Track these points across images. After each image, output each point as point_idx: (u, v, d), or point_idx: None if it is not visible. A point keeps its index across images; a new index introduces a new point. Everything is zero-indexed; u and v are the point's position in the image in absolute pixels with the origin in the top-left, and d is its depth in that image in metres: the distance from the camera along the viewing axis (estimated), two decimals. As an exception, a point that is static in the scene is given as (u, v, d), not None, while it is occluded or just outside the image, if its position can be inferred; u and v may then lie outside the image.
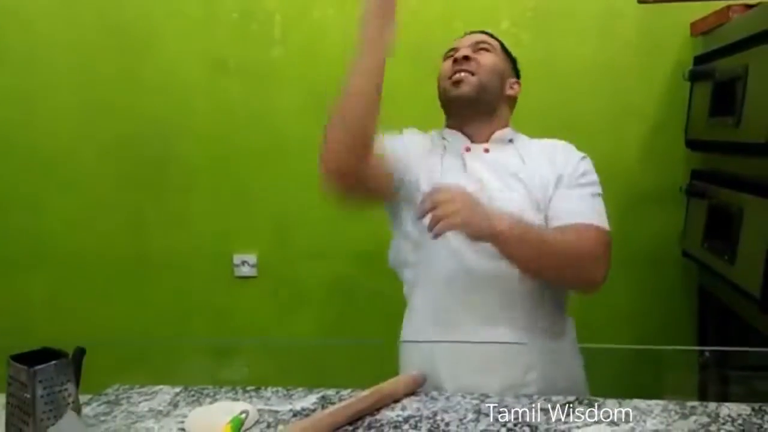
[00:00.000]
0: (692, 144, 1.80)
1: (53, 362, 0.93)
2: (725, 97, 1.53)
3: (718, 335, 1.78)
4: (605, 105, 1.93)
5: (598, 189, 1.29)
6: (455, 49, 1.35)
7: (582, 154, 1.32)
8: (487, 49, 1.34)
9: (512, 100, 1.39)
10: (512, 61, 1.41)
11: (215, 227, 2.12)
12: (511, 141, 1.35)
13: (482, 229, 1.11)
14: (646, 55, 1.90)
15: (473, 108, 1.32)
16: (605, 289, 1.96)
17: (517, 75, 1.42)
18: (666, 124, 1.90)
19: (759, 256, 1.33)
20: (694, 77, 1.74)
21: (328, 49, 2.01)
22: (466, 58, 1.31)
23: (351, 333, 2.07)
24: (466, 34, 1.40)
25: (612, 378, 1.88)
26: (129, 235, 2.14)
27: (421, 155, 1.33)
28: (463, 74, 1.30)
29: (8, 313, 2.14)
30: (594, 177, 1.30)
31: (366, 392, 1.07)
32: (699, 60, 1.75)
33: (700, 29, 1.80)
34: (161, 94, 2.08)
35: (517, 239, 1.13)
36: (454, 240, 1.20)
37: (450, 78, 1.32)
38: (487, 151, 1.32)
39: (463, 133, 1.35)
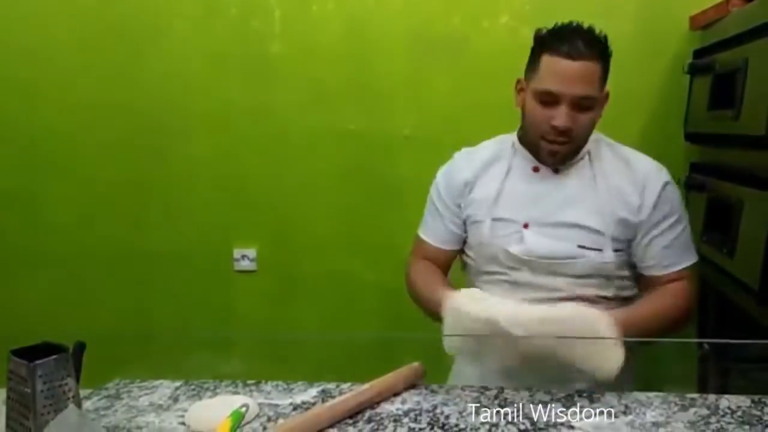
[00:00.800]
0: (691, 137, 1.80)
1: (53, 357, 0.93)
2: (725, 90, 1.52)
3: (718, 328, 1.78)
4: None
5: (684, 219, 1.27)
6: (554, 97, 1.17)
7: (665, 180, 1.26)
8: (585, 105, 1.18)
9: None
10: (608, 68, 1.22)
11: (215, 222, 2.12)
12: (588, 154, 1.27)
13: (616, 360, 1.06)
14: (646, 49, 1.90)
15: (569, 159, 1.26)
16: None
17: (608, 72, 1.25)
18: (665, 117, 1.90)
19: (758, 249, 1.33)
20: (694, 71, 1.74)
21: (327, 44, 2.00)
22: (565, 131, 1.18)
23: (351, 327, 2.08)
24: (570, 54, 1.15)
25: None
26: (129, 229, 2.14)
27: (475, 188, 1.30)
28: (560, 147, 1.22)
29: (8, 307, 2.14)
30: (680, 207, 1.27)
31: (366, 385, 1.07)
32: (698, 53, 1.75)
33: (700, 23, 1.79)
34: (161, 89, 2.07)
35: (634, 329, 1.12)
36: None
37: (545, 139, 1.21)
38: (557, 171, 1.27)
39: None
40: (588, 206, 1.23)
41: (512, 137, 1.34)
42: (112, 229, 2.14)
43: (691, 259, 1.28)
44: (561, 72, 1.16)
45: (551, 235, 1.23)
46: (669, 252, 1.26)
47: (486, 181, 1.30)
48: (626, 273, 1.28)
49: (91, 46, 2.09)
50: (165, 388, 1.17)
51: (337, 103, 2.02)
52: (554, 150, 1.22)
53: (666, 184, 1.26)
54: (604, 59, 1.20)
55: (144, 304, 2.15)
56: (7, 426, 0.95)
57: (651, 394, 1.07)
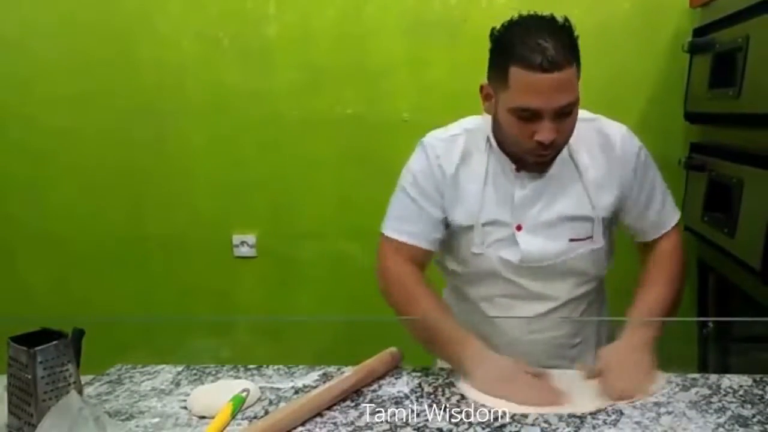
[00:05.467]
0: (691, 117, 1.79)
1: (53, 343, 0.93)
2: (725, 69, 1.51)
3: (719, 308, 1.79)
4: (603, 79, 1.91)
5: (659, 176, 1.27)
6: (534, 112, 1.06)
7: (638, 144, 1.23)
8: (568, 112, 1.09)
9: None
10: (579, 56, 1.11)
11: (214, 208, 2.11)
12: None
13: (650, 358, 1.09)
14: (645, 28, 1.88)
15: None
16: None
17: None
18: (665, 97, 1.89)
19: (759, 228, 1.32)
20: (694, 49, 1.72)
21: (324, 26, 1.98)
22: (553, 142, 1.09)
23: (350, 311, 2.08)
24: (545, 68, 1.03)
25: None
26: (128, 216, 2.14)
27: (455, 187, 1.19)
28: (546, 157, 1.14)
29: (8, 295, 2.14)
30: (654, 166, 1.26)
31: (347, 373, 1.06)
32: (698, 32, 1.73)
33: (699, 1, 1.77)
34: (156, 74, 2.06)
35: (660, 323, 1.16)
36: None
37: (527, 151, 1.12)
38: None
39: None
40: (574, 195, 1.19)
41: (483, 126, 1.21)
42: (111, 216, 2.14)
43: (677, 213, 1.29)
44: (537, 87, 1.04)
45: (544, 234, 1.19)
46: (661, 213, 1.26)
47: (467, 177, 1.19)
48: (609, 248, 1.27)
49: (85, 32, 2.07)
50: (167, 372, 1.17)
51: (335, 86, 2.00)
52: (540, 162, 1.15)
53: (640, 148, 1.23)
54: (576, 53, 1.08)
55: (144, 290, 2.15)
56: (9, 412, 0.95)
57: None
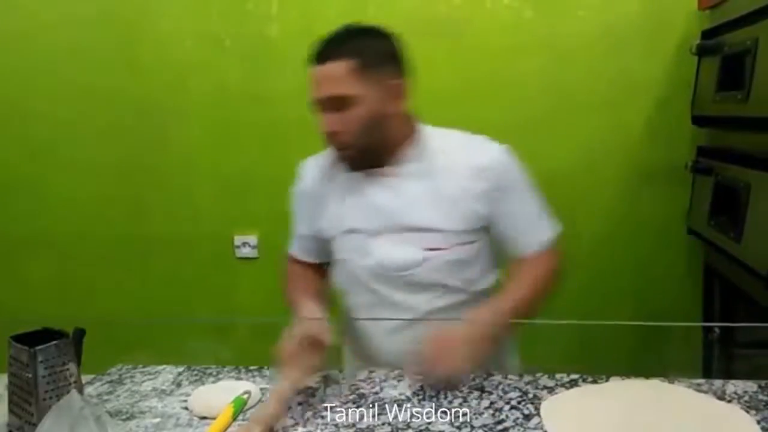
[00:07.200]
0: (698, 120, 1.77)
1: (54, 342, 0.93)
2: (733, 72, 1.50)
3: (724, 313, 1.77)
4: (610, 81, 1.90)
5: (528, 183, 1.23)
6: (317, 104, 1.16)
7: (510, 162, 1.21)
8: (345, 105, 1.13)
9: (401, 103, 1.19)
10: (377, 61, 1.15)
11: (216, 209, 2.11)
12: (421, 146, 1.21)
13: (483, 347, 1.09)
14: (652, 30, 1.87)
15: (368, 159, 1.20)
16: (610, 268, 1.97)
17: (392, 63, 1.18)
18: (672, 100, 1.87)
19: (766, 233, 1.31)
20: (702, 52, 1.71)
21: (325, 26, 1.95)
22: (333, 134, 1.16)
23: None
24: (314, 59, 1.14)
25: (617, 356, 1.88)
26: (129, 216, 2.13)
27: (321, 201, 1.28)
28: (343, 152, 1.19)
29: (9, 294, 2.15)
30: (521, 172, 1.22)
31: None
32: (707, 34, 1.71)
33: (708, 3, 1.76)
34: (158, 74, 2.05)
35: (510, 318, 1.14)
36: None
37: (328, 146, 1.21)
38: (392, 175, 1.21)
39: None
40: (429, 205, 1.18)
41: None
42: (112, 217, 2.13)
43: (549, 230, 1.24)
44: (313, 78, 1.15)
45: (398, 243, 1.19)
46: (530, 232, 1.23)
47: (331, 190, 1.27)
48: (482, 262, 1.24)
49: (87, 31, 2.06)
50: (167, 373, 1.17)
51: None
52: (340, 156, 1.20)
53: (511, 166, 1.21)
54: (360, 55, 1.12)
55: (145, 290, 2.15)
56: (10, 411, 0.95)
57: (657, 380, 1.06)
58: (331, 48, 1.14)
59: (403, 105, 1.19)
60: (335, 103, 1.13)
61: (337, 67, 1.12)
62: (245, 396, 1.01)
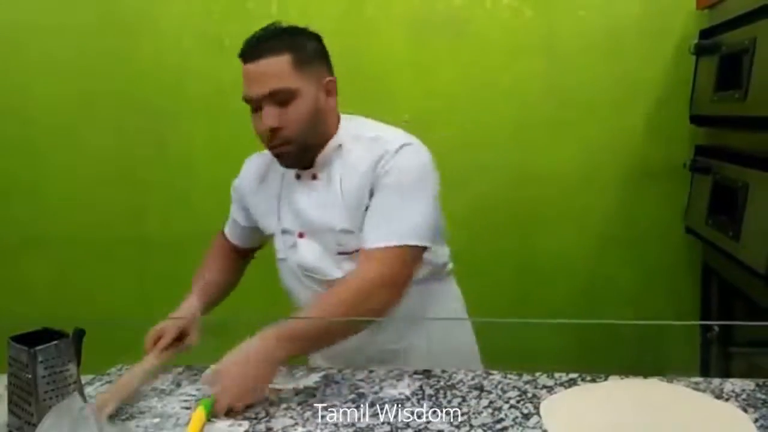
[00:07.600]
0: (697, 119, 1.78)
1: (54, 342, 0.93)
2: (732, 71, 1.50)
3: (722, 313, 1.78)
4: (609, 80, 1.90)
5: (409, 186, 1.14)
6: (253, 103, 1.17)
7: (398, 144, 1.15)
8: (287, 100, 1.13)
9: (334, 101, 1.21)
10: (312, 57, 1.17)
11: (215, 209, 2.09)
12: (339, 147, 1.20)
13: (263, 373, 1.05)
14: (651, 30, 1.87)
15: (304, 157, 1.19)
16: (609, 267, 1.98)
17: (325, 61, 1.21)
18: (670, 99, 1.88)
19: (764, 232, 1.32)
20: (700, 51, 1.71)
21: (324, 26, 1.95)
22: (273, 131, 1.14)
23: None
24: (249, 59, 1.15)
25: (615, 355, 1.88)
26: (129, 217, 2.13)
27: (259, 199, 1.30)
28: (279, 150, 1.17)
29: (9, 294, 2.14)
30: (407, 172, 1.14)
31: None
32: (705, 33, 1.72)
33: (706, 2, 1.76)
34: (157, 75, 2.05)
35: (301, 341, 1.09)
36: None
37: (265, 145, 1.19)
38: (315, 177, 1.20)
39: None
40: (339, 206, 1.17)
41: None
42: (111, 218, 2.13)
43: (395, 236, 1.11)
44: (246, 77, 1.15)
45: (319, 244, 1.20)
46: (373, 222, 1.14)
47: (267, 190, 1.28)
48: None
49: (85, 33, 2.06)
50: (167, 373, 1.17)
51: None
52: (277, 153, 1.18)
53: (398, 152, 1.14)
54: (297, 51, 1.14)
55: (145, 290, 2.15)
56: (9, 411, 0.95)
57: (655, 379, 1.06)
58: (267, 44, 1.14)
59: (335, 102, 1.21)
60: (276, 99, 1.13)
61: (278, 62, 1.13)
62: (209, 399, 1.00)
